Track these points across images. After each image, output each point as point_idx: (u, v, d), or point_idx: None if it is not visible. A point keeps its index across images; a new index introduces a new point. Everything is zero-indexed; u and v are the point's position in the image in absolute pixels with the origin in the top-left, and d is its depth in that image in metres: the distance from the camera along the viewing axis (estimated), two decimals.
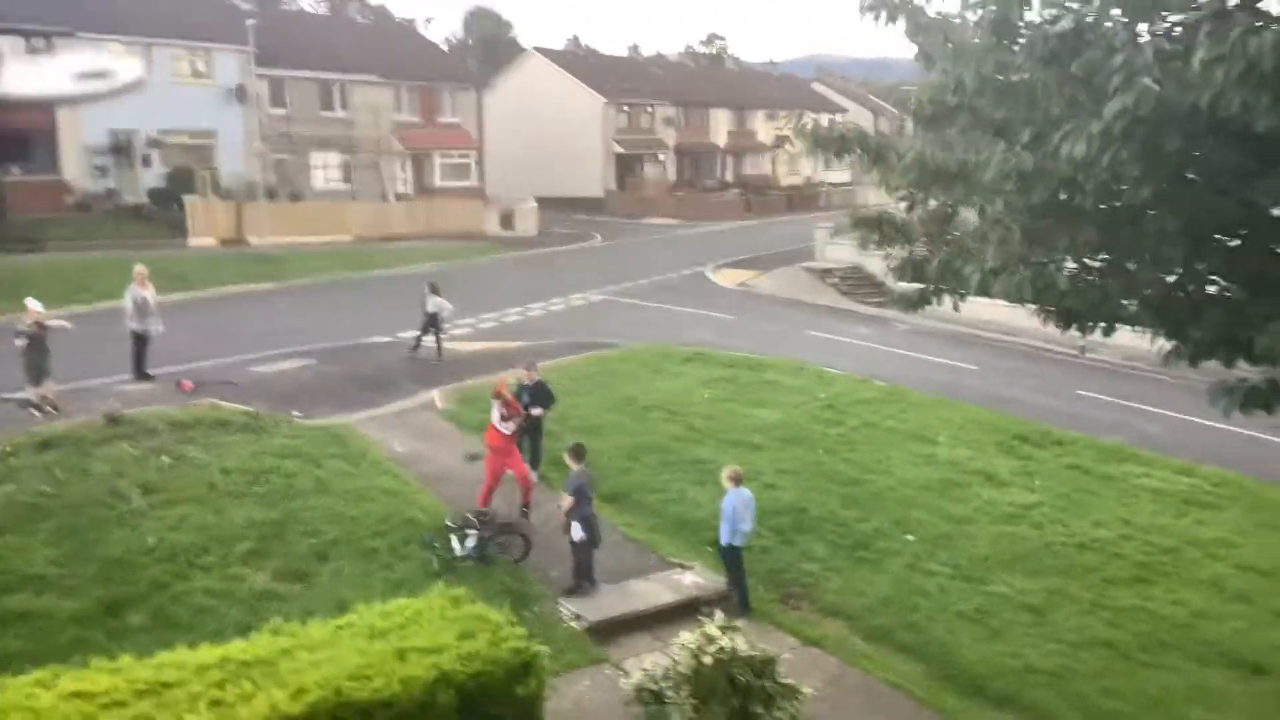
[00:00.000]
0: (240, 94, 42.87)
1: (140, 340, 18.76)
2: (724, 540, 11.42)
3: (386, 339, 23.84)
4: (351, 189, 47.37)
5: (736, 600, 11.31)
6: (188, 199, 38.73)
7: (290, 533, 12.19)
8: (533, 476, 14.20)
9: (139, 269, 19.11)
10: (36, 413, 16.00)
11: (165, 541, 11.66)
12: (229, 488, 13.25)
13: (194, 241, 37.49)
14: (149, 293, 18.88)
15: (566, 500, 11.48)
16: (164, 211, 39.18)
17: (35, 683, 6.10)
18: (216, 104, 42.20)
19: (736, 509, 11.30)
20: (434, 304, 21.87)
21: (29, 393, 16.38)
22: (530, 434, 14.79)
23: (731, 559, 11.50)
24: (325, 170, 47.51)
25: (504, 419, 13.24)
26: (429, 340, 22.08)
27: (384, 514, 12.79)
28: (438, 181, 51.23)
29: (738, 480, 11.45)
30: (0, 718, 5.72)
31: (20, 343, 16.24)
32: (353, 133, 47.62)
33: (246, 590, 10.84)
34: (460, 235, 43.87)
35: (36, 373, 16.33)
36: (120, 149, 40.56)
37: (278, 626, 6.98)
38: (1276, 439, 17.47)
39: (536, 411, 14.79)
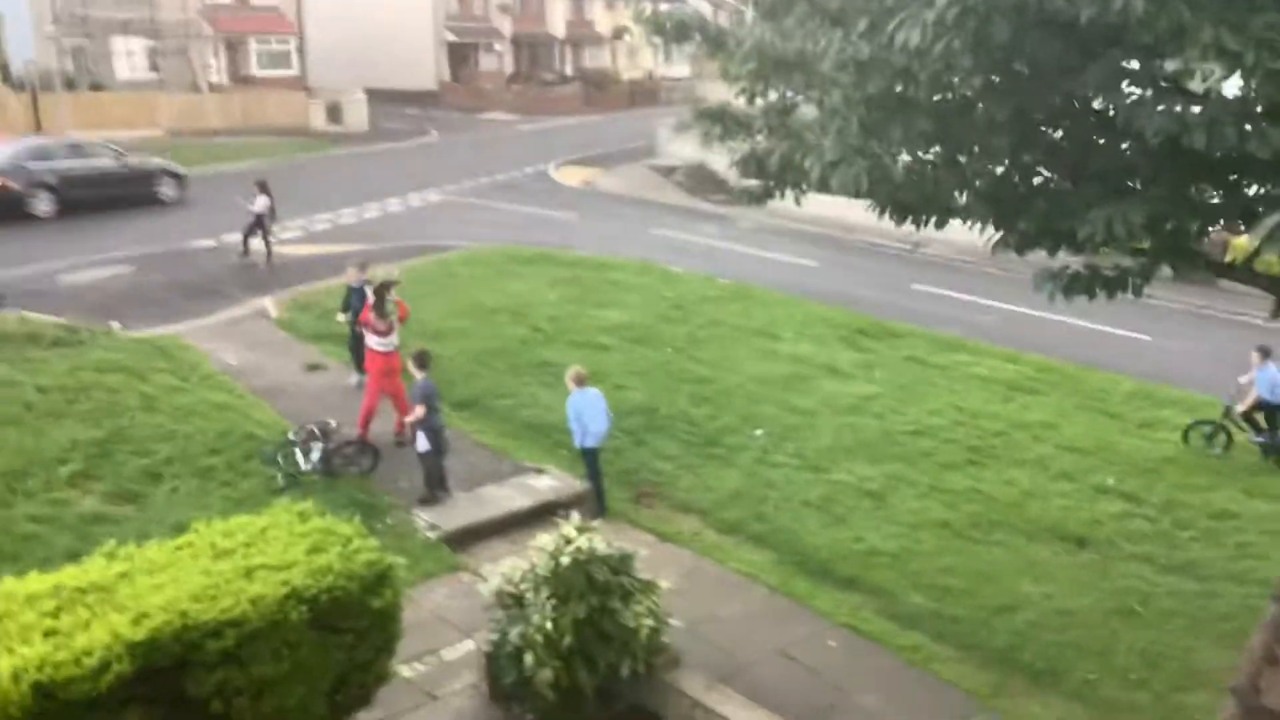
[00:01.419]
0: None
1: None
2: (576, 443, 11.41)
3: (210, 243, 22.56)
4: (160, 78, 43.94)
5: (593, 501, 11.37)
6: None
7: (118, 452, 11.48)
8: (354, 380, 13.90)
9: None
10: None
11: None
12: (47, 407, 12.34)
13: None
14: None
15: (418, 410, 11.15)
16: None
17: None
18: None
19: (580, 410, 11.27)
20: (260, 204, 20.76)
21: None
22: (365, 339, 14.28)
23: (587, 460, 11.52)
24: (129, 57, 43.91)
25: (380, 334, 12.35)
26: (257, 243, 20.99)
27: (220, 430, 12.20)
28: (255, 70, 48.18)
29: (580, 381, 11.40)
30: None
31: None
32: (158, 15, 43.95)
33: (74, 514, 10.20)
34: (283, 129, 41.58)
35: None
36: None
37: (112, 550, 6.63)
38: (1092, 325, 18.65)
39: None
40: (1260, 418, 13.94)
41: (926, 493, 12.25)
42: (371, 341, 12.45)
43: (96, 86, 40.49)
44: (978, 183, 7.99)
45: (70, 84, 38.80)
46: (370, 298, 12.93)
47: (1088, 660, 9.31)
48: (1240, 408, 13.98)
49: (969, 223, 8.35)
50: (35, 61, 38.19)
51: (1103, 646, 9.51)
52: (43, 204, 24.45)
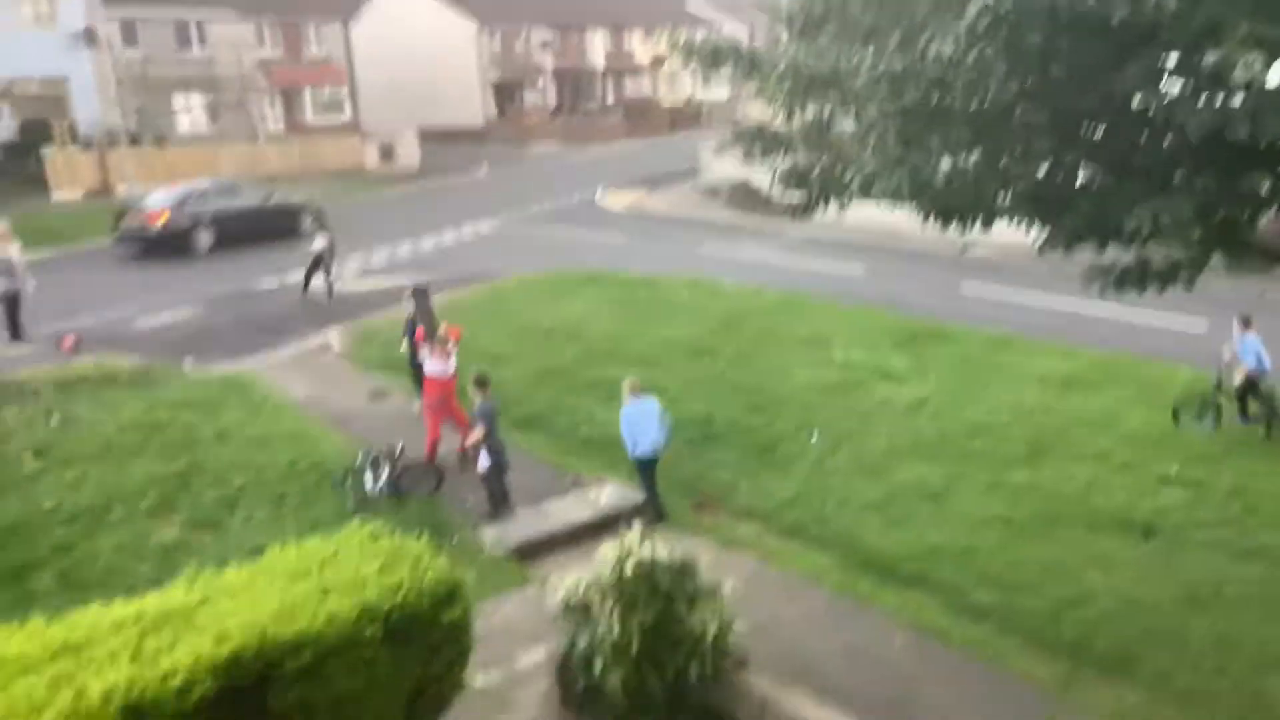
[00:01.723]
0: (89, 37, 40.39)
1: (10, 300, 17.91)
2: (629, 453, 11.57)
3: (274, 283, 23.18)
4: (219, 130, 45.40)
5: (651, 512, 11.50)
6: (46, 151, 36.69)
7: (195, 484, 11.92)
8: (416, 406, 14.15)
9: (0, 227, 18.15)
10: None
11: (65, 503, 11.31)
12: (126, 443, 12.86)
13: (57, 195, 35.62)
14: (13, 250, 17.99)
15: (478, 431, 11.43)
16: (20, 165, 37.04)
17: None
18: (65, 49, 39.65)
19: (632, 420, 11.44)
20: (320, 243, 21.36)
21: None
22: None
23: (640, 470, 11.66)
24: (190, 113, 45.43)
25: (440, 357, 12.73)
26: (319, 281, 21.58)
27: (291, 458, 12.58)
28: (310, 118, 49.57)
29: (635, 391, 11.58)
30: None
31: None
32: (215, 72, 45.49)
33: (156, 545, 10.60)
34: (339, 172, 42.56)
35: None
36: None
37: (192, 576, 6.83)
38: (1144, 319, 18.36)
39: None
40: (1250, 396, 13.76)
41: (987, 490, 12.18)
42: (429, 368, 12.78)
43: (160, 141, 41.84)
44: (1020, 185, 8.01)
45: (135, 140, 40.20)
46: (420, 325, 13.36)
47: (1161, 650, 9.18)
48: (1237, 379, 13.76)
49: (1014, 223, 8.37)
50: (101, 121, 39.67)
51: (1175, 635, 9.38)
52: (204, 239, 26.99)
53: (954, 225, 8.40)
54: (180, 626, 6.21)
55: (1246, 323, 13.79)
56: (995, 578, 10.31)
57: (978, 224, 8.37)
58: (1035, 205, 7.97)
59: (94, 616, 6.30)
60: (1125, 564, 10.60)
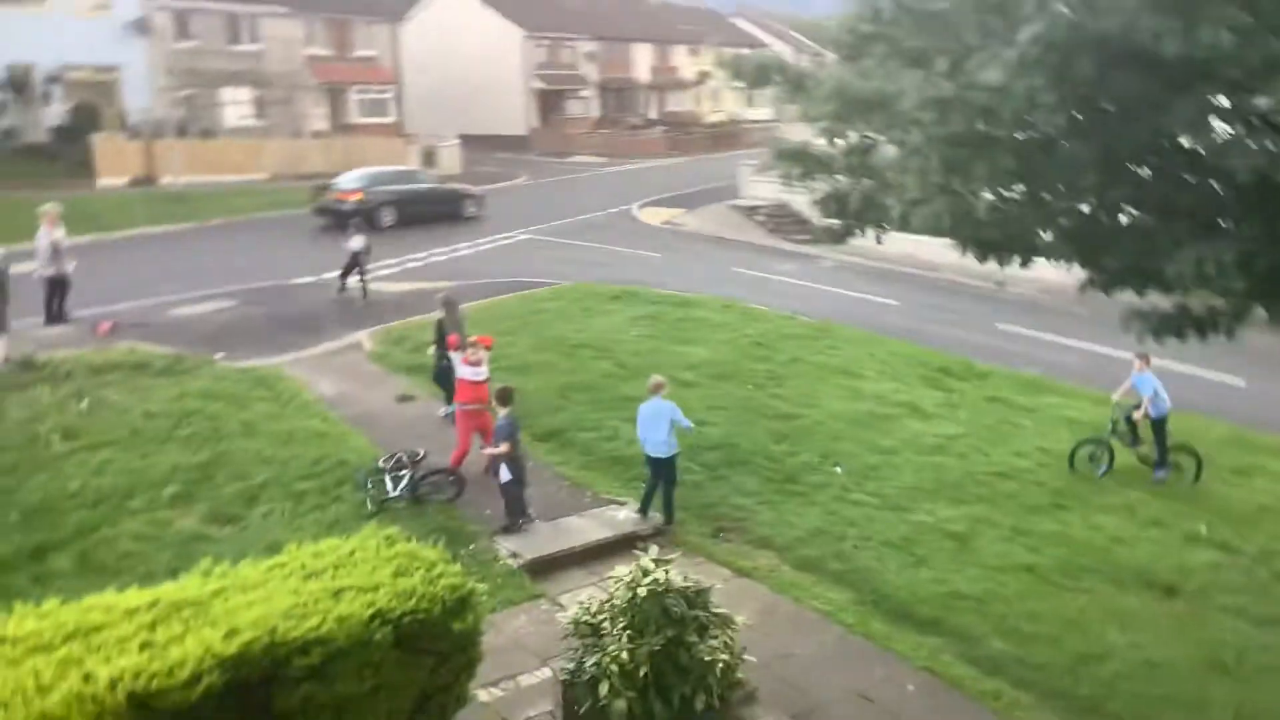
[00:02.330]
0: (142, 26, 41.07)
1: (53, 283, 18.14)
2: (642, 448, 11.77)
3: (310, 279, 23.34)
4: (265, 125, 45.91)
5: (652, 517, 11.67)
6: (95, 137, 37.24)
7: (218, 476, 11.98)
8: (442, 411, 14.26)
9: (50, 209, 18.37)
10: None
11: (89, 486, 11.41)
12: (152, 431, 12.96)
13: (103, 181, 36.12)
14: (60, 233, 18.22)
15: (502, 446, 11.41)
16: (69, 150, 37.65)
17: None
18: (118, 37, 40.33)
19: (643, 418, 11.65)
20: (356, 242, 21.51)
21: None
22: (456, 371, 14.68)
23: (650, 470, 11.77)
24: (236, 106, 45.95)
25: (473, 364, 12.77)
26: (353, 280, 21.72)
27: (314, 456, 12.62)
28: (355, 118, 49.95)
29: (653, 390, 11.75)
30: None
31: None
32: (264, 67, 46.02)
33: (175, 534, 10.66)
34: None
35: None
36: (18, 84, 38.70)
37: (208, 568, 6.83)
38: (1182, 368, 18.08)
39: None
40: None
41: (1011, 536, 12.01)
42: (464, 372, 12.80)
43: (206, 133, 42.40)
44: (1062, 221, 7.87)
45: (182, 131, 40.75)
46: (450, 333, 13.52)
47: (1178, 715, 8.97)
48: (1137, 416, 13.72)
49: (1054, 261, 8.24)
50: (150, 110, 40.26)
51: (1194, 701, 9.16)
52: (387, 217, 30.33)
53: (993, 259, 8.27)
54: (192, 618, 6.19)
55: (1145, 360, 13.64)
56: (1013, 628, 10.13)
57: (1017, 260, 8.25)
58: (1076, 244, 7.83)
59: (108, 602, 6.29)
60: (1147, 623, 10.38)
